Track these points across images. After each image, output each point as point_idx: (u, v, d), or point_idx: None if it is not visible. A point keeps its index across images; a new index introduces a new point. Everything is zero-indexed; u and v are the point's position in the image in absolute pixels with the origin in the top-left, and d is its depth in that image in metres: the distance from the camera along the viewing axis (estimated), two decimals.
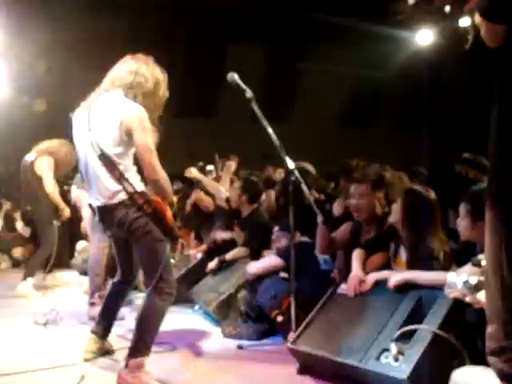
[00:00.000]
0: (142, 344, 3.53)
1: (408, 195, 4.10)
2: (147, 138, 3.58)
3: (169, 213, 3.64)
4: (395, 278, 3.68)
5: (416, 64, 11.63)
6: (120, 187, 3.58)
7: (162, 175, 3.60)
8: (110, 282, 5.91)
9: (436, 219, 3.95)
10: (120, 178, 3.58)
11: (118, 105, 3.64)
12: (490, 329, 2.05)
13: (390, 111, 13.07)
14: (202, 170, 7.65)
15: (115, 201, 3.61)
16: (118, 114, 3.58)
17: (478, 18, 1.99)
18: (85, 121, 3.73)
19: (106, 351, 4.23)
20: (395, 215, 4.14)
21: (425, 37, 10.48)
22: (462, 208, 3.64)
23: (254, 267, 4.90)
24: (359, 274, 4.00)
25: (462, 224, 3.66)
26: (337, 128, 12.46)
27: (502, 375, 1.98)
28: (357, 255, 4.23)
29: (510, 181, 1.95)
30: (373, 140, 11.72)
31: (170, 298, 3.62)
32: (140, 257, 3.75)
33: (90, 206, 3.86)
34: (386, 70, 12.04)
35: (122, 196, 3.59)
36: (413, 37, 10.75)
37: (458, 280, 3.31)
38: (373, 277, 3.88)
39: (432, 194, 4.04)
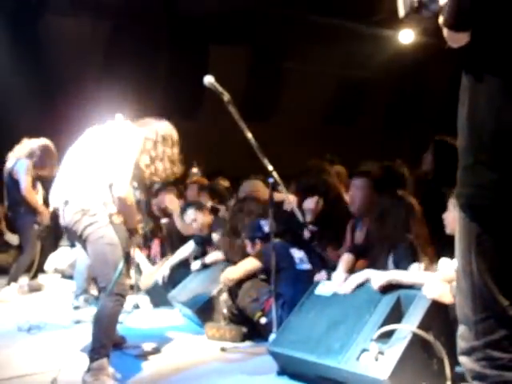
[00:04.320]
0: (99, 346, 3.58)
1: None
2: None
3: None
4: (378, 279, 3.66)
5: (399, 63, 11.69)
6: None
7: None
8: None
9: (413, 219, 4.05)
10: None
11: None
12: (461, 329, 2.07)
13: (374, 110, 13.10)
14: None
15: None
16: None
17: (440, 20, 2.00)
18: None
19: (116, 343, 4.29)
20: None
21: (406, 36, 10.61)
22: (452, 200, 3.68)
23: (233, 273, 4.82)
24: (343, 274, 4.02)
25: (450, 216, 3.70)
26: (321, 127, 12.48)
27: (473, 375, 2.00)
28: (344, 259, 4.26)
29: (481, 182, 1.96)
30: (357, 138, 11.75)
31: (121, 300, 3.71)
32: (92, 261, 3.86)
33: None
34: (369, 69, 12.08)
35: None
36: (395, 36, 10.84)
37: (452, 266, 3.36)
38: (354, 281, 3.84)
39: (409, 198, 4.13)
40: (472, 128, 1.99)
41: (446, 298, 3.37)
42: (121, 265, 3.64)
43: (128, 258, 3.94)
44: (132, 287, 6.04)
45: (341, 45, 11.17)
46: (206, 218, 6.15)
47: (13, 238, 8.09)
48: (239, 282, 4.76)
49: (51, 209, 4.20)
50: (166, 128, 4.17)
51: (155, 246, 7.81)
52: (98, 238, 3.68)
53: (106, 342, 3.60)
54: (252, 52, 11.72)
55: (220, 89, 3.95)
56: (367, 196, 4.75)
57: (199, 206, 6.22)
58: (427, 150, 5.44)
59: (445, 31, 1.99)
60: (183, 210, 6.34)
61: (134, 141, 3.91)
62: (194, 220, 6.14)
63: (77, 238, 3.88)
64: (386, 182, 4.90)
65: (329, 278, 4.08)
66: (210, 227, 6.11)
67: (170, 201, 7.02)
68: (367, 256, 4.28)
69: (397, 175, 5.27)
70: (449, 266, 3.45)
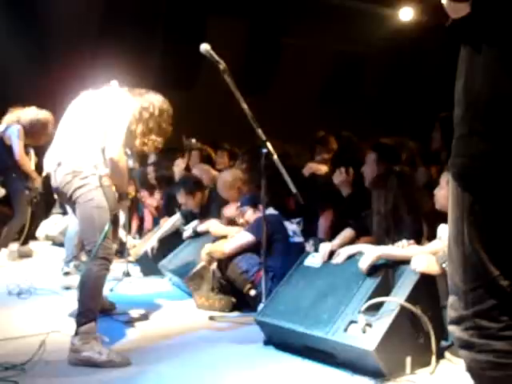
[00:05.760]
0: (85, 309, 3.58)
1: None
2: None
3: None
4: (369, 256, 3.62)
5: (398, 40, 11.64)
6: None
7: None
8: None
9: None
10: None
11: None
12: (451, 299, 2.07)
13: (372, 87, 13.03)
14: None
15: None
16: None
17: None
18: None
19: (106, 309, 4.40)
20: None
21: (406, 14, 10.63)
22: (444, 177, 3.68)
23: (227, 248, 4.77)
24: (332, 245, 4.02)
25: (441, 193, 3.70)
26: (318, 103, 12.42)
27: (460, 343, 2.01)
28: (344, 234, 4.27)
29: (474, 152, 1.95)
30: (354, 114, 11.70)
31: (107, 264, 3.70)
32: (80, 224, 3.86)
33: None
34: (368, 46, 12.02)
35: None
36: (395, 13, 10.84)
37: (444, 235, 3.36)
38: (346, 252, 3.85)
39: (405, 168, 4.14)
40: (468, 98, 1.97)
41: (434, 268, 3.38)
42: (106, 227, 3.64)
43: (116, 221, 3.92)
44: (122, 254, 6.07)
45: (341, 21, 11.09)
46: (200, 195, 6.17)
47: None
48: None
49: (44, 174, 4.19)
50: (162, 101, 4.14)
51: (147, 218, 7.81)
52: (87, 200, 3.67)
53: (92, 306, 3.59)
54: (250, 26, 11.61)
55: (216, 57, 3.92)
56: (374, 170, 4.62)
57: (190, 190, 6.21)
58: (434, 129, 5.32)
59: (445, 1, 1.96)
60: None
61: (129, 107, 3.90)
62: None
63: (66, 200, 3.88)
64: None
65: (316, 249, 4.09)
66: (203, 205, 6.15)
67: None
68: (370, 233, 4.25)
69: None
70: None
